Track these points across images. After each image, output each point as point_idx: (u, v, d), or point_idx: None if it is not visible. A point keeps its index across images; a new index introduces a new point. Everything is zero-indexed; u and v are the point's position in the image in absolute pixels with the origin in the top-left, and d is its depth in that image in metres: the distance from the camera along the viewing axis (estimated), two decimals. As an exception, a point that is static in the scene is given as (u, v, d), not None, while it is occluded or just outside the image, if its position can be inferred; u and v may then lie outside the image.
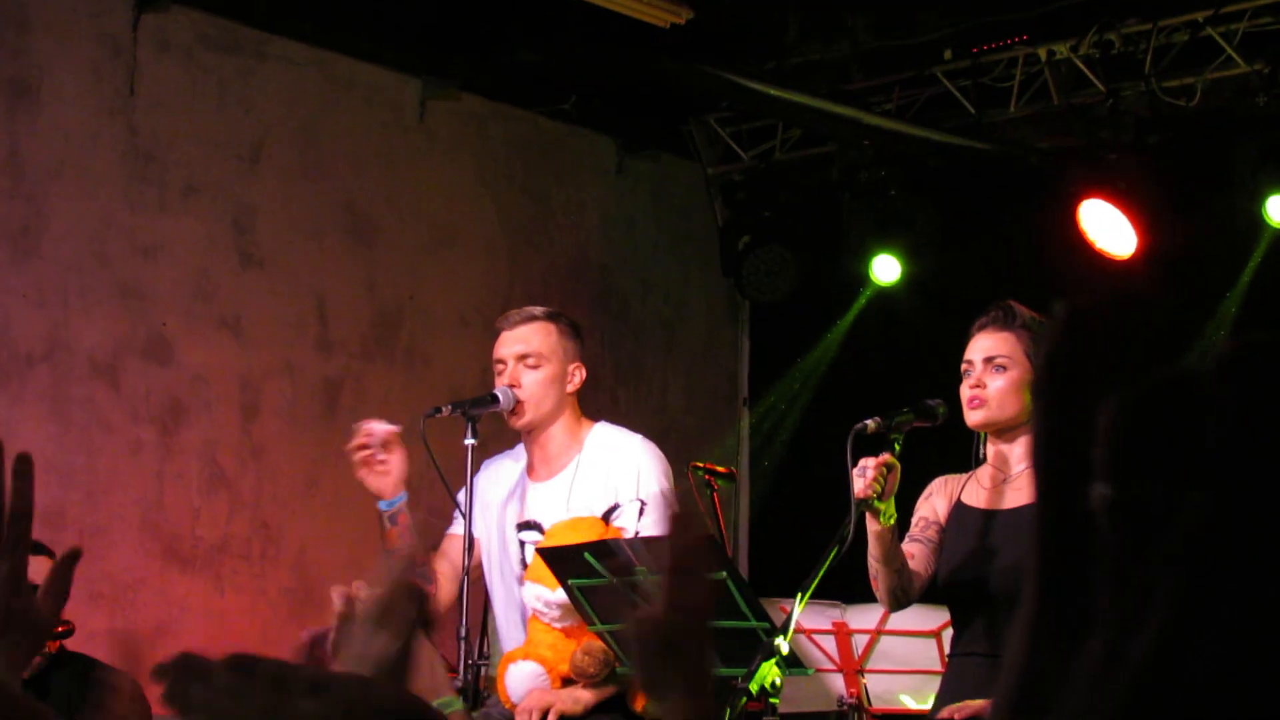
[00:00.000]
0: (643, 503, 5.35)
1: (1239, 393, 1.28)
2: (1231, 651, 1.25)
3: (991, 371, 4.99)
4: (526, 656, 5.36)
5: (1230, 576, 1.26)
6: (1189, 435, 1.28)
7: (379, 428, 5.32)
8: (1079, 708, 1.28)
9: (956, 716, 4.78)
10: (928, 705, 5.16)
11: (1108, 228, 8.14)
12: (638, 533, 5.23)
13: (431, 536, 5.73)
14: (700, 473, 7.26)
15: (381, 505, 5.37)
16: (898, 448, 4.94)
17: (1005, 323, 5.04)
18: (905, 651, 5.96)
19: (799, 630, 5.72)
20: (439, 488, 5.64)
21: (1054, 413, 1.37)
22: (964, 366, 5.06)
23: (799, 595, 4.84)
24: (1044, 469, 1.38)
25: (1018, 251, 8.60)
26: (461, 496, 5.48)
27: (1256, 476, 1.27)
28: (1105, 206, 8.13)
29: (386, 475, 5.35)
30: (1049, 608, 1.36)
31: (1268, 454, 1.27)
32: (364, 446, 5.34)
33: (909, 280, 9.08)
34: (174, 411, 7.83)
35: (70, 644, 6.17)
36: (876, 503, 4.81)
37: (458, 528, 5.54)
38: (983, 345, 5.04)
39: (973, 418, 5.02)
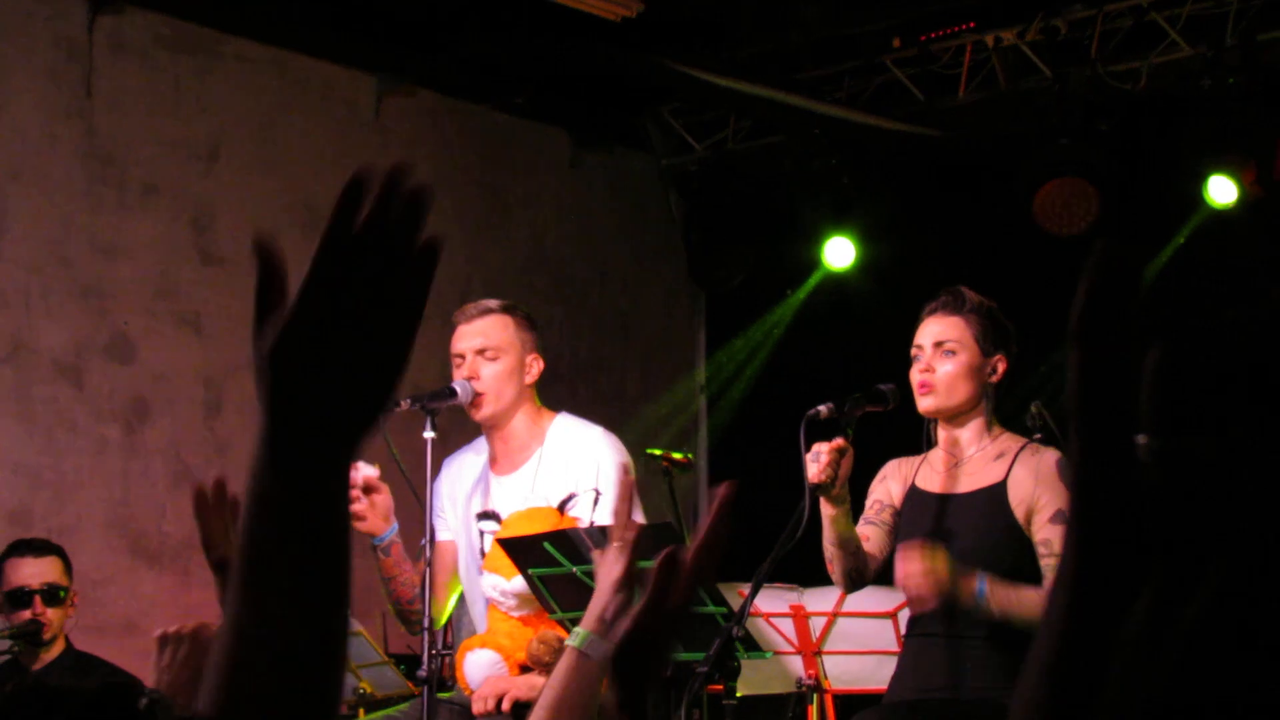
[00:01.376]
0: (598, 492, 5.35)
1: None
2: None
3: (941, 356, 5.04)
4: (484, 645, 5.37)
5: None
6: (1242, 383, 1.24)
7: (359, 474, 5.19)
8: (1130, 672, 1.25)
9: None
10: (884, 686, 5.21)
11: (1058, 211, 8.20)
12: (593, 522, 5.22)
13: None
14: (657, 460, 7.31)
15: (374, 540, 5.34)
16: (850, 432, 4.97)
17: (955, 307, 5.09)
18: (862, 633, 6.00)
19: (757, 613, 5.78)
20: (401, 481, 5.64)
21: (1095, 361, 1.30)
22: (914, 351, 5.11)
23: (755, 579, 4.91)
24: (1085, 420, 1.31)
25: (968, 236, 8.68)
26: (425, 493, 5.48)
27: None
28: (1055, 190, 8.19)
29: (374, 518, 5.31)
30: (1092, 568, 1.30)
31: None
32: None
33: (862, 266, 9.15)
34: (138, 410, 7.87)
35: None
36: (830, 487, 4.88)
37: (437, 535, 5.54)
38: (932, 330, 5.09)
39: (923, 404, 5.08)
